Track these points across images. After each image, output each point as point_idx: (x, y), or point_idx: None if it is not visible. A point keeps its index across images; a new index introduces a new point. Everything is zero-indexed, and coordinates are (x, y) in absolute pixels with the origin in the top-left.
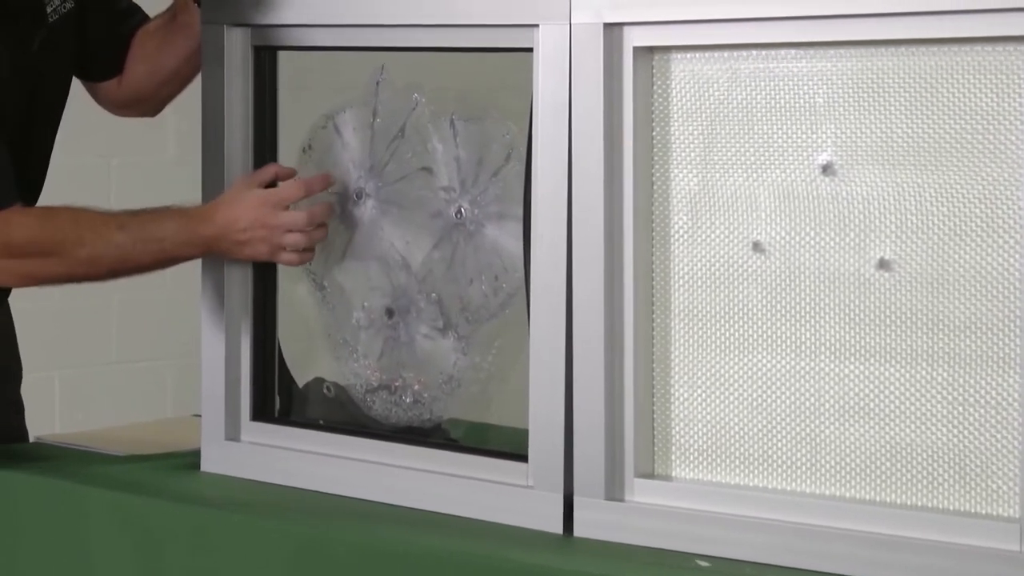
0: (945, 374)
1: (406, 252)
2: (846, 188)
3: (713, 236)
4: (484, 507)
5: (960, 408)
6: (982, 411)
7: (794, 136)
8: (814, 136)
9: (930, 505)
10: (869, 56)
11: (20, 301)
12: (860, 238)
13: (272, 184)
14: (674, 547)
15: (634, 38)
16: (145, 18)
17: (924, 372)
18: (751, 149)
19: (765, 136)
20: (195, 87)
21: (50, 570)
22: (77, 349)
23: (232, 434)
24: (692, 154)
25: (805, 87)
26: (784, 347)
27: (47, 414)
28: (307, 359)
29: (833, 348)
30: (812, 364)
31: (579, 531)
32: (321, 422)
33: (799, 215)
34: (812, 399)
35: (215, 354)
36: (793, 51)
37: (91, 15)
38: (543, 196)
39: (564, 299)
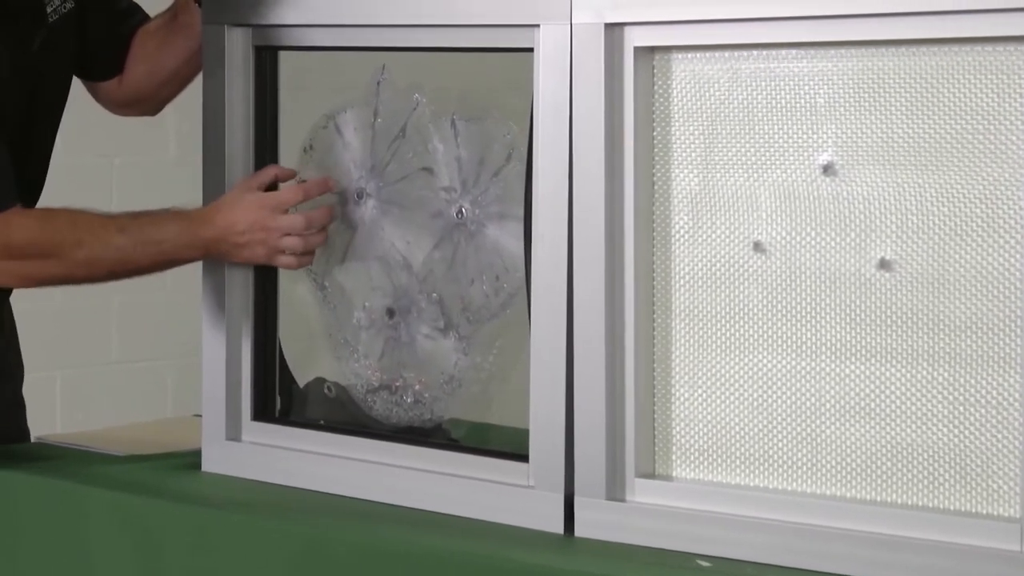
0: (946, 374)
1: (407, 252)
2: (847, 188)
3: (714, 236)
4: (485, 507)
5: (961, 408)
6: (983, 411)
7: (795, 136)
8: (815, 136)
9: (931, 505)
10: (870, 56)
11: (21, 301)
12: (861, 238)
13: (273, 186)
14: (675, 547)
15: (635, 38)
16: (145, 18)
17: (925, 372)
18: (752, 149)
19: (766, 136)
20: (196, 87)
21: (50, 570)
22: (78, 349)
23: (233, 434)
24: (693, 154)
25: (806, 87)
26: (785, 347)
27: (48, 414)
28: (308, 359)
29: (834, 348)
30: (813, 364)
31: (580, 531)
32: (322, 422)
33: (800, 215)
34: (813, 399)
35: (216, 354)
36: (794, 51)
37: (91, 15)
38: (544, 196)
39: (565, 299)
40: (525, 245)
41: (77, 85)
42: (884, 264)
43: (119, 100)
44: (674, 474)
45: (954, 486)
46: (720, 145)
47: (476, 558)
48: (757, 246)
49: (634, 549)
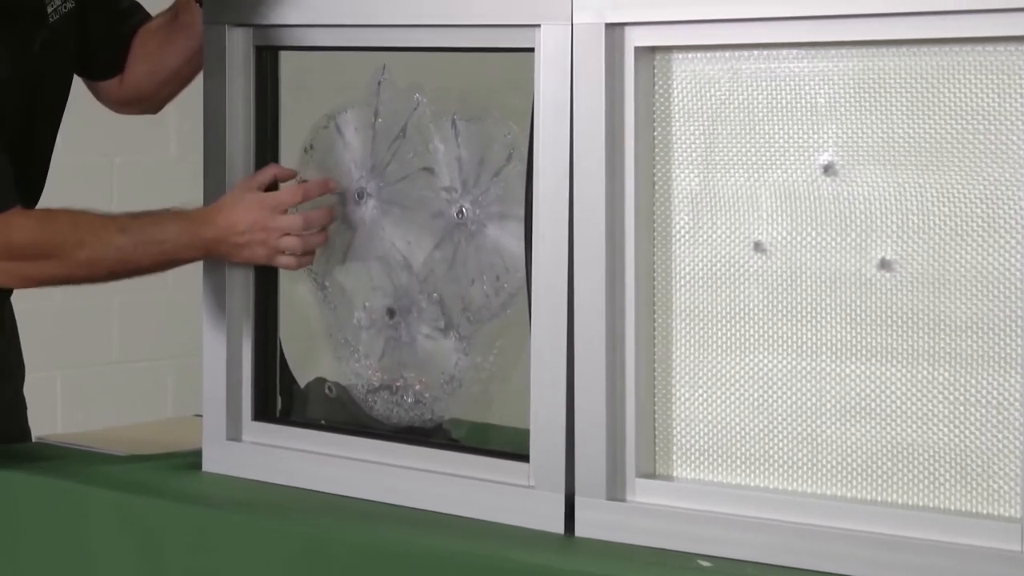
0: (946, 374)
1: (407, 252)
2: (847, 188)
3: (714, 236)
4: (485, 507)
5: (961, 408)
6: (983, 411)
7: (795, 136)
8: (815, 136)
9: (931, 505)
10: (870, 56)
11: (22, 301)
12: (861, 238)
13: (273, 186)
14: (675, 547)
15: (636, 38)
16: (146, 17)
17: (925, 372)
18: (752, 149)
19: (766, 136)
20: (197, 86)
21: (51, 570)
22: (78, 349)
23: (233, 434)
24: (693, 154)
25: (806, 87)
26: (785, 347)
27: (48, 414)
28: (308, 359)
29: (834, 348)
30: (813, 364)
31: (580, 531)
32: (323, 422)
33: (800, 215)
34: (813, 399)
35: (216, 354)
36: (794, 51)
37: (92, 15)
38: (544, 196)
39: (565, 299)
40: (526, 245)
41: (77, 84)
42: (885, 264)
43: (120, 99)
44: (675, 474)
45: (955, 486)
46: (721, 145)
47: (476, 558)
48: (758, 246)
49: (635, 549)
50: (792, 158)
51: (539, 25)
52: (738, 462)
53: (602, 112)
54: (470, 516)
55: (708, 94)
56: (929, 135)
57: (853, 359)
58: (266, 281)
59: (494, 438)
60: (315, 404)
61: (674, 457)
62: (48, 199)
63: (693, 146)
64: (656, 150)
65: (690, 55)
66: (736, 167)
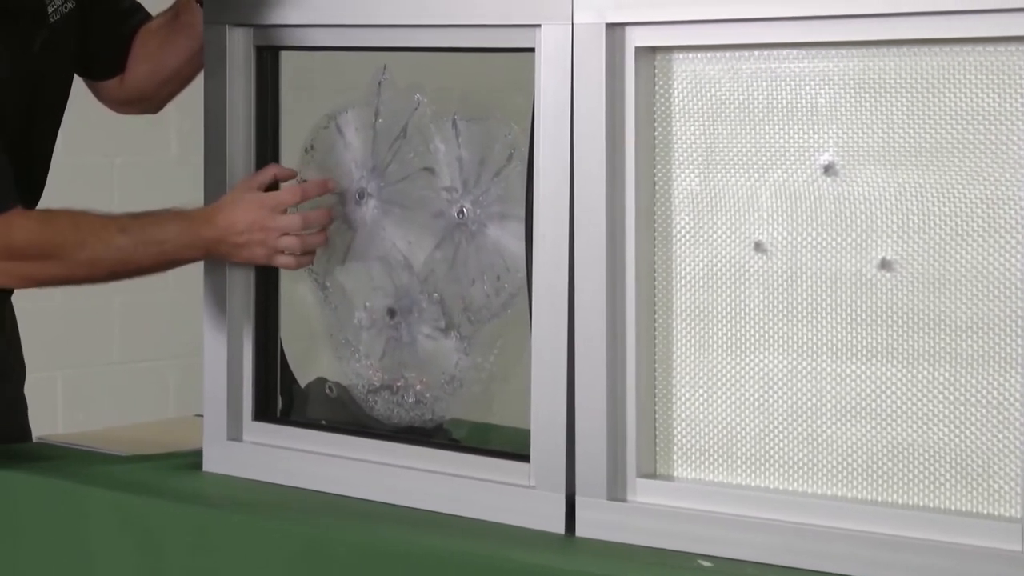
0: (947, 374)
1: (408, 252)
2: (848, 188)
3: (715, 236)
4: (486, 507)
5: (962, 408)
6: (984, 411)
7: (796, 136)
8: (816, 136)
9: (932, 505)
10: (871, 56)
11: (22, 301)
12: (862, 238)
13: (273, 186)
14: (676, 547)
15: (636, 38)
16: (147, 17)
17: (926, 372)
18: (753, 149)
19: (767, 136)
20: (197, 86)
21: (51, 570)
22: (79, 349)
23: (234, 434)
24: (694, 154)
25: (807, 87)
26: (786, 347)
27: (49, 414)
28: (309, 359)
29: (835, 348)
30: (814, 364)
31: (581, 531)
32: (323, 422)
33: (801, 215)
34: (814, 399)
35: (217, 354)
36: (795, 51)
37: (92, 15)
38: (545, 196)
39: (566, 299)
40: (526, 245)
41: (78, 84)
42: (885, 264)
43: (120, 99)
44: (675, 474)
45: (955, 486)
46: (721, 145)
47: (477, 558)
48: (758, 246)
49: (635, 549)
50: (792, 158)
51: (540, 25)
52: (739, 462)
53: (603, 112)
54: (471, 516)
55: (708, 94)
56: (929, 135)
57: (854, 359)
58: (267, 281)
59: (495, 438)
60: (316, 404)
61: (675, 457)
62: (49, 199)
63: (694, 146)
64: (657, 150)
65: (691, 55)
66: (736, 167)
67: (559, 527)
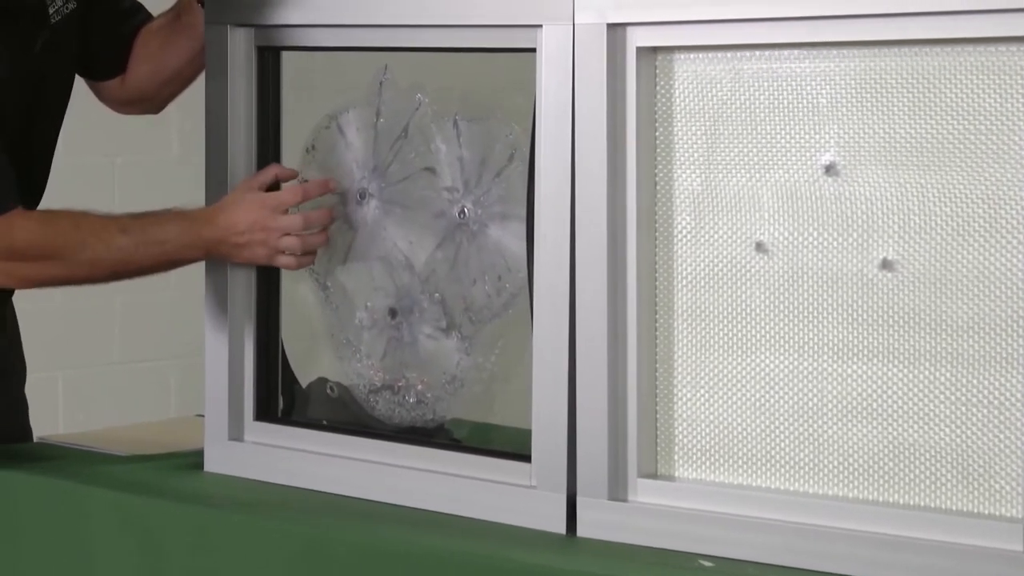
0: (948, 374)
1: (409, 252)
2: (849, 188)
3: (716, 236)
4: (487, 507)
5: (963, 408)
6: (985, 411)
7: (797, 136)
8: (817, 136)
9: (933, 505)
10: (872, 56)
11: (23, 301)
12: (863, 238)
13: (275, 186)
14: (677, 547)
15: (637, 38)
16: (148, 17)
17: (927, 372)
18: (754, 149)
19: (768, 136)
20: (199, 85)
21: (52, 570)
22: (80, 349)
23: (235, 434)
24: (695, 154)
25: (808, 87)
26: (787, 347)
27: (50, 414)
28: (310, 359)
29: (836, 348)
30: (815, 364)
31: (582, 531)
32: (324, 422)
33: (802, 215)
34: (815, 399)
35: (218, 354)
36: (796, 51)
37: (93, 15)
38: (546, 196)
39: (567, 299)
40: (527, 245)
41: (79, 84)
42: (886, 264)
43: (122, 99)
44: (676, 474)
45: (956, 486)
46: (722, 145)
47: (478, 558)
48: (759, 246)
49: (636, 549)
50: (794, 158)
51: (541, 25)
52: (740, 462)
53: (604, 112)
54: (472, 516)
55: (710, 94)
56: (931, 135)
57: (855, 359)
58: (268, 281)
59: (496, 438)
60: (317, 404)
61: (676, 457)
62: (49, 200)
63: (695, 146)
64: (658, 150)
65: (692, 55)
66: (738, 167)
67: (560, 527)
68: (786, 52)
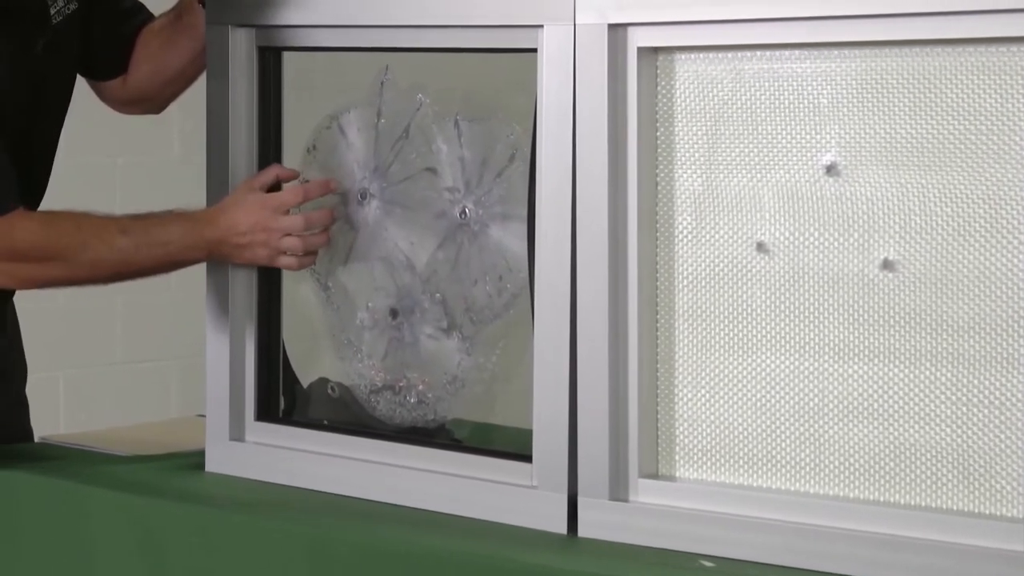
0: (949, 374)
1: (410, 252)
2: (850, 189)
3: (717, 236)
4: (488, 507)
5: (964, 408)
6: (986, 411)
7: (798, 136)
8: (818, 136)
9: (934, 505)
10: (873, 57)
11: (24, 302)
12: (864, 239)
13: (276, 187)
14: (678, 547)
15: (638, 39)
16: (149, 17)
17: (928, 372)
18: (755, 149)
19: (769, 136)
20: (200, 86)
21: (53, 570)
22: (81, 349)
23: (236, 434)
24: (696, 154)
25: (809, 88)
26: (788, 347)
27: (51, 414)
28: (311, 359)
29: (837, 348)
30: (816, 364)
31: (583, 531)
32: (325, 422)
33: (803, 216)
34: (816, 399)
35: (219, 354)
36: (797, 52)
37: (95, 15)
38: (547, 196)
39: (568, 299)
40: (528, 245)
41: (80, 85)
42: (887, 264)
43: (123, 99)
44: (677, 474)
45: (957, 486)
46: (723, 145)
47: (479, 558)
48: (760, 246)
49: (637, 549)
50: (795, 158)
51: (542, 26)
52: (741, 462)
53: (605, 112)
54: (472, 516)
55: (711, 94)
56: (932, 135)
57: (856, 359)
58: (269, 281)
59: (497, 438)
60: (318, 404)
61: (677, 457)
62: (51, 200)
63: (696, 146)
64: (659, 150)
65: (693, 55)
66: (739, 167)
67: (561, 527)
68: (787, 52)
